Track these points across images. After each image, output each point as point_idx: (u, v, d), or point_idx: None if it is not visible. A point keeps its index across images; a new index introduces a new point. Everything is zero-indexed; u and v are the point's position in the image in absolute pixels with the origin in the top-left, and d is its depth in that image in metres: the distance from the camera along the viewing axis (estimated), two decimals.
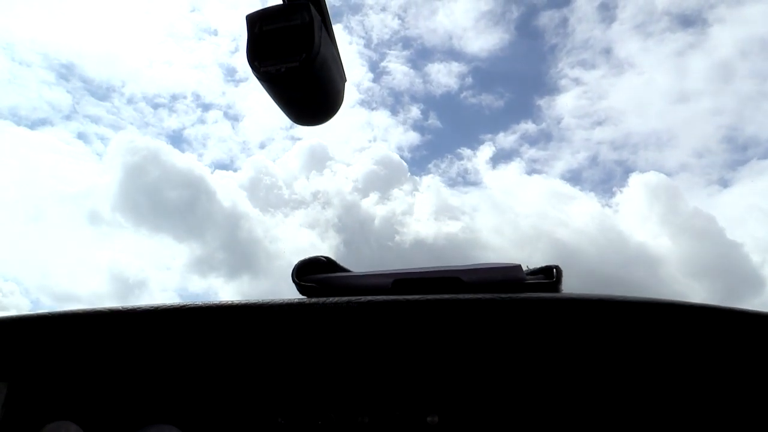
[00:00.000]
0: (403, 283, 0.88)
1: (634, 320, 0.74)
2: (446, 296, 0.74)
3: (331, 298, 0.76)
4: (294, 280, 0.93)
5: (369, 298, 0.75)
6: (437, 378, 0.77)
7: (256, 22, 0.80)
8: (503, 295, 0.74)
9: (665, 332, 0.75)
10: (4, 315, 0.85)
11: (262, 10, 0.80)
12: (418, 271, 0.91)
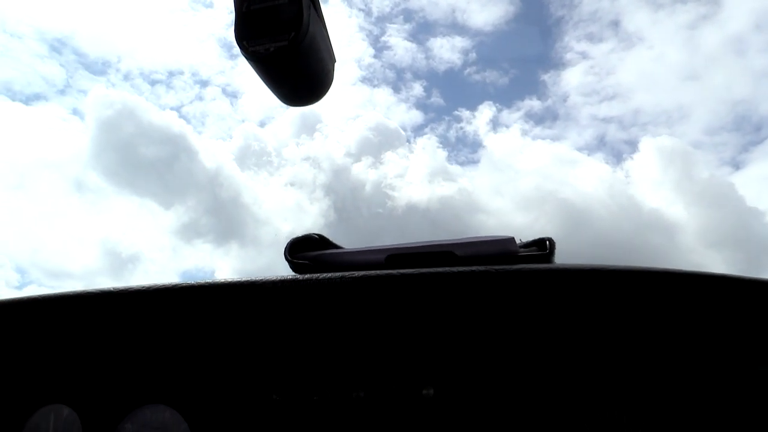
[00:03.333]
0: (396, 258, 0.88)
1: (628, 289, 0.74)
2: (440, 269, 0.74)
3: (324, 274, 0.75)
4: (287, 258, 0.93)
5: (362, 273, 0.75)
6: (432, 351, 0.77)
7: (244, 1, 0.80)
8: (496, 267, 0.74)
9: (659, 301, 0.75)
10: None
11: None
12: (411, 245, 0.91)
